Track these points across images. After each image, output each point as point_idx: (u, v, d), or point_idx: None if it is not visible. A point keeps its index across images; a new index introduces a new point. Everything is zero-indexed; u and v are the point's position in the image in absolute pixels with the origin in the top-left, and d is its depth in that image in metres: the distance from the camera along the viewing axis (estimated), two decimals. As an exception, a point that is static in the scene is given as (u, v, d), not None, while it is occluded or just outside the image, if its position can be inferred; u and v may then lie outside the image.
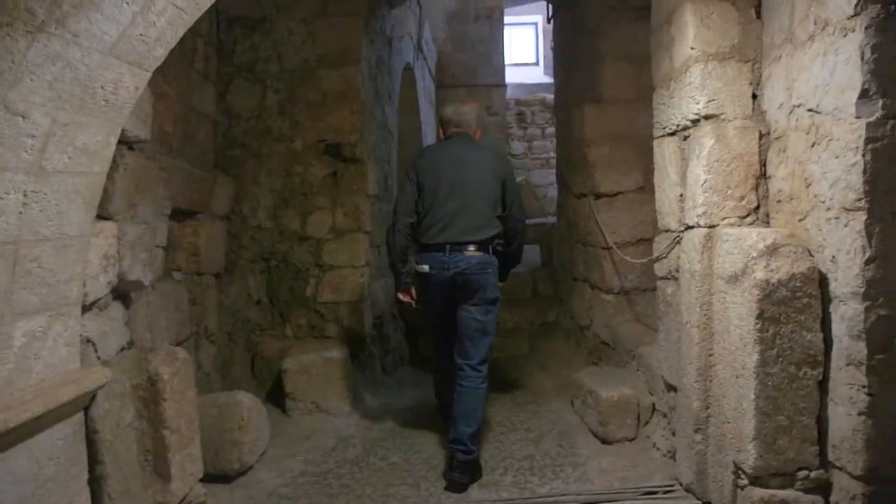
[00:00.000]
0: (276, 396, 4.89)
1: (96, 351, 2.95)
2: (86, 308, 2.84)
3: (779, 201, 3.11)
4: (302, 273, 5.30)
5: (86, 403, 2.66)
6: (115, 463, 2.73)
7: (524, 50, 15.59)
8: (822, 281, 2.66)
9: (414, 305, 4.09)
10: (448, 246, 3.69)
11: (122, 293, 3.21)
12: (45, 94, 2.09)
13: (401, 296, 4.04)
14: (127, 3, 2.16)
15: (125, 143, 3.02)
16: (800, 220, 2.87)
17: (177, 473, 2.97)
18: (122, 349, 3.16)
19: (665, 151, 3.71)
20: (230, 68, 5.21)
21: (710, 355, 3.06)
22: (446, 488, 3.55)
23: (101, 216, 2.89)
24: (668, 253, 3.65)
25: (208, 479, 3.43)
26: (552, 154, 10.73)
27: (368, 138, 5.68)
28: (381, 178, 6.33)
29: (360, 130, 5.34)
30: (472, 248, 3.71)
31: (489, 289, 3.78)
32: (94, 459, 2.67)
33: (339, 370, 4.84)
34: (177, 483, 2.97)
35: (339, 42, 5.31)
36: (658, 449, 3.90)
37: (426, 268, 3.77)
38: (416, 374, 6.01)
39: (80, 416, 2.63)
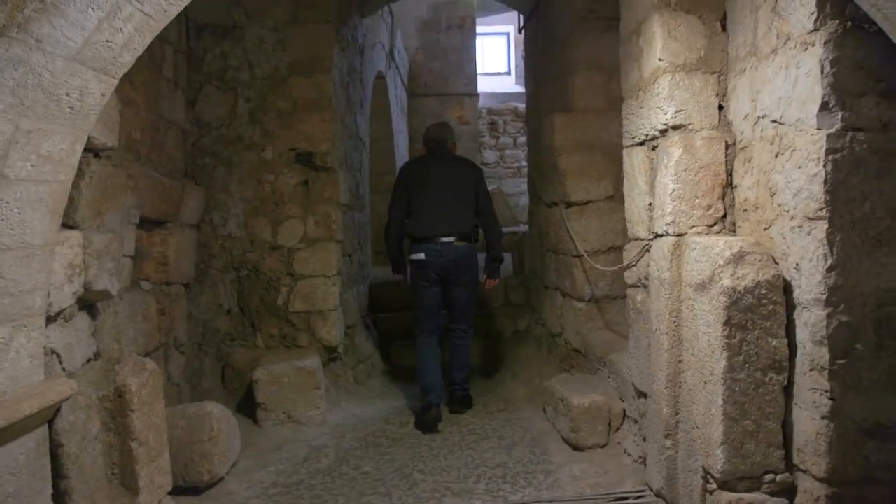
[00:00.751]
0: (247, 407, 4.83)
1: (61, 362, 2.88)
2: (50, 319, 2.78)
3: (745, 210, 3.17)
4: (273, 282, 5.25)
5: (50, 416, 2.60)
6: (81, 477, 2.67)
7: (496, 59, 15.70)
8: (787, 288, 2.72)
9: (406, 283, 5.11)
10: (440, 238, 4.77)
11: (89, 303, 3.15)
12: (6, 100, 2.05)
13: (397, 276, 5.25)
14: (92, 8, 2.13)
15: (91, 150, 2.98)
16: (765, 229, 2.93)
17: (145, 486, 2.92)
18: (89, 360, 3.10)
19: (634, 161, 3.77)
20: (200, 76, 5.16)
21: (680, 362, 3.11)
22: (451, 411, 4.97)
23: (67, 225, 2.84)
24: (638, 261, 3.70)
25: (178, 491, 3.38)
26: (524, 163, 10.83)
27: (340, 147, 5.67)
28: (353, 187, 6.32)
29: (331, 139, 5.33)
30: (457, 239, 4.80)
31: (473, 270, 4.96)
32: (58, 474, 2.61)
33: (311, 380, 4.80)
34: (145, 496, 2.92)
35: (311, 50, 5.29)
36: (629, 455, 3.94)
37: (422, 255, 4.80)
38: (388, 384, 5.98)
39: (44, 430, 2.57)
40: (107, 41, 2.27)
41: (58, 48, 2.12)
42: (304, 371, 4.77)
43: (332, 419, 4.89)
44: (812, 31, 2.50)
